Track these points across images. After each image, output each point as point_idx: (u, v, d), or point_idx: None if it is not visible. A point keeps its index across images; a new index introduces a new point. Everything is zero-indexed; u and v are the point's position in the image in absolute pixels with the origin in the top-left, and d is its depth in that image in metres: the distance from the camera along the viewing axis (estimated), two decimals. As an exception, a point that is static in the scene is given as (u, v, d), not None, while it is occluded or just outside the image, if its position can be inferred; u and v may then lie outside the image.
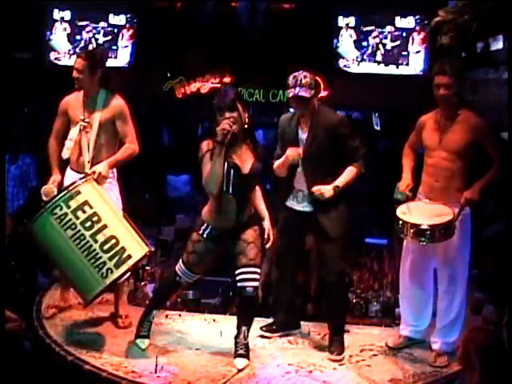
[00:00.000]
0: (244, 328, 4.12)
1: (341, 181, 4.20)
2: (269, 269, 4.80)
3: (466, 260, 4.20)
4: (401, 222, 4.07)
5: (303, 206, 4.33)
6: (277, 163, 4.32)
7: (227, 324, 4.74)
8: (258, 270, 4.11)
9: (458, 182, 4.13)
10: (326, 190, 4.17)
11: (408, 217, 4.08)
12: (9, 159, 7.07)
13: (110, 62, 8.31)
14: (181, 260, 4.21)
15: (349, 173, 4.22)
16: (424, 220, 4.02)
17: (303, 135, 4.30)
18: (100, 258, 3.99)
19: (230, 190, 4.02)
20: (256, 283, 4.09)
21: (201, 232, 4.13)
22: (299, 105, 4.26)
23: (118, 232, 4.07)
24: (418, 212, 4.10)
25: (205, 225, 4.12)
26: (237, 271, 4.11)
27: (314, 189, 4.18)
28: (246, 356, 4.13)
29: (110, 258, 4.00)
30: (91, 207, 4.04)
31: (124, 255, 4.02)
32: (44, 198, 4.19)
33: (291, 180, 4.37)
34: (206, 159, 4.00)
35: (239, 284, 4.10)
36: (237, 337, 4.14)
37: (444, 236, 4.02)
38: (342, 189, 4.19)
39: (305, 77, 4.20)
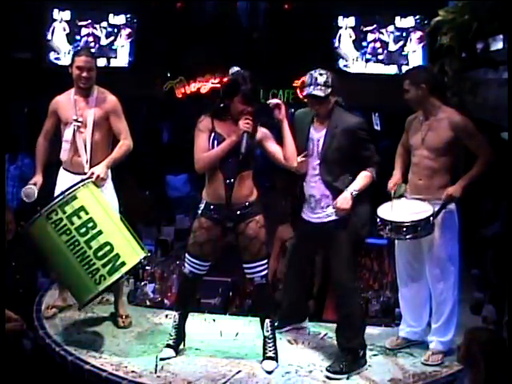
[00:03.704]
0: (267, 321, 4.12)
1: (357, 185, 4.04)
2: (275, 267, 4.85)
3: (453, 258, 4.19)
4: (379, 219, 4.10)
5: (318, 216, 4.17)
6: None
7: (227, 324, 4.75)
8: (263, 262, 4.10)
9: (441, 180, 4.14)
10: (345, 201, 4.02)
11: (386, 214, 4.10)
12: (8, 159, 7.07)
13: (110, 62, 8.33)
14: (186, 254, 4.19)
15: (364, 178, 4.07)
16: (401, 217, 4.04)
17: (316, 135, 4.15)
18: (94, 264, 3.99)
19: (218, 166, 4.00)
20: (263, 272, 4.10)
21: (199, 212, 4.13)
22: (314, 104, 4.11)
23: (113, 238, 4.07)
24: (398, 209, 4.13)
25: (202, 202, 4.13)
26: (244, 265, 4.13)
27: (335, 206, 4.05)
28: (275, 358, 4.12)
29: (104, 265, 4.00)
30: (87, 213, 4.03)
31: (118, 262, 4.03)
32: (25, 199, 4.20)
33: (298, 185, 4.25)
34: (201, 136, 4.01)
35: (247, 276, 4.15)
36: (265, 336, 4.15)
37: (421, 233, 4.02)
38: (358, 193, 4.04)
39: (320, 75, 4.06)
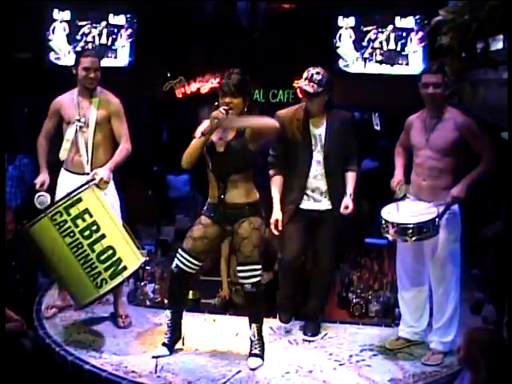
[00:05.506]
0: (254, 325, 4.13)
1: (351, 188, 4.43)
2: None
3: (456, 258, 4.19)
4: (383, 221, 4.10)
5: (322, 204, 4.42)
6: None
7: (227, 324, 4.75)
8: (256, 266, 4.10)
9: (445, 181, 4.13)
10: (350, 205, 4.37)
11: (391, 216, 4.10)
12: (7, 159, 7.06)
13: (110, 62, 8.32)
14: (180, 249, 4.18)
15: (354, 179, 4.46)
16: (406, 219, 4.04)
17: (317, 130, 4.37)
18: (96, 267, 4.00)
19: (210, 167, 4.09)
20: (254, 279, 4.08)
21: (203, 211, 4.20)
22: (305, 98, 4.34)
23: (116, 242, 4.08)
24: (403, 211, 4.12)
25: (206, 202, 4.21)
26: (237, 268, 4.16)
27: (346, 212, 4.38)
28: (261, 356, 4.13)
29: (106, 269, 4.02)
30: (91, 216, 4.04)
31: (120, 266, 4.05)
32: (39, 207, 4.17)
33: (302, 180, 4.39)
34: (194, 140, 4.09)
35: (240, 281, 4.15)
36: (251, 339, 4.16)
37: (426, 234, 4.02)
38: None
39: (317, 73, 4.27)
